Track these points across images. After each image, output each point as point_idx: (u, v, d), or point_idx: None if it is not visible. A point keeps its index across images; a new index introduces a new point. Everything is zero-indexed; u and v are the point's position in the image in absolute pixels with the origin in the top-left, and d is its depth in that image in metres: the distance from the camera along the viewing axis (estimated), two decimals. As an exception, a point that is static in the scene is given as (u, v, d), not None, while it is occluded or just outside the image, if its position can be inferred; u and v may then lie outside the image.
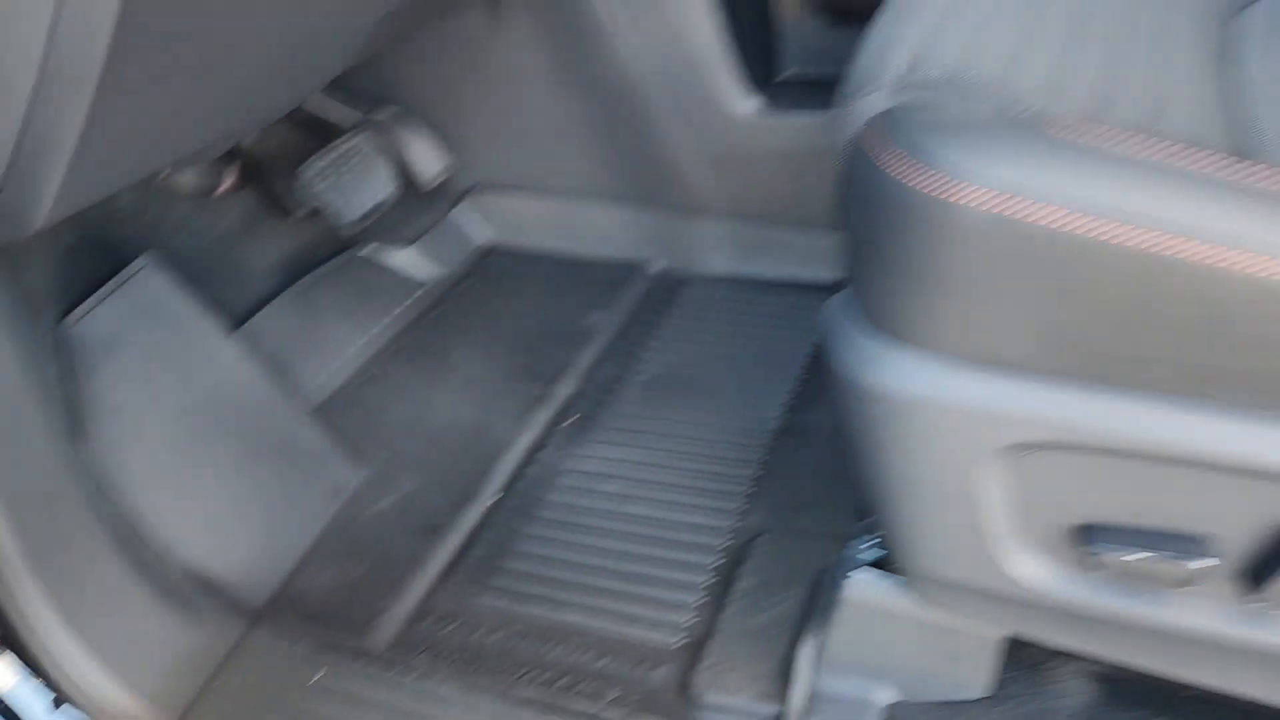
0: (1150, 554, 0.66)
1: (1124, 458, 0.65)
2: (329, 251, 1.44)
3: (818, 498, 1.08)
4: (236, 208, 1.39)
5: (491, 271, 1.53)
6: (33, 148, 0.65)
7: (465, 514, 1.13)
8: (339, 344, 1.35)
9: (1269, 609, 0.67)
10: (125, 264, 1.12)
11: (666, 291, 1.46)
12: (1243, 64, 0.74)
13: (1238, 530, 0.65)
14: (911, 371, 0.67)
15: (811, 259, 1.39)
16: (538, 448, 1.21)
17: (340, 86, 1.49)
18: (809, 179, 1.35)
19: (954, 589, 0.76)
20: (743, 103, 1.36)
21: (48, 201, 0.69)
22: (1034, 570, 0.71)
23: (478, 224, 1.57)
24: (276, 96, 0.93)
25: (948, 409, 0.67)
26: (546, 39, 1.37)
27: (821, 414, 1.19)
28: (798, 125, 1.36)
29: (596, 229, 1.52)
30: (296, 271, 1.40)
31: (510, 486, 1.16)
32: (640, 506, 1.11)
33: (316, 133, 1.44)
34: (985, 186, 0.60)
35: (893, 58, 0.74)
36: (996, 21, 0.76)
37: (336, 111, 1.49)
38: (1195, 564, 0.65)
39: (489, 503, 1.14)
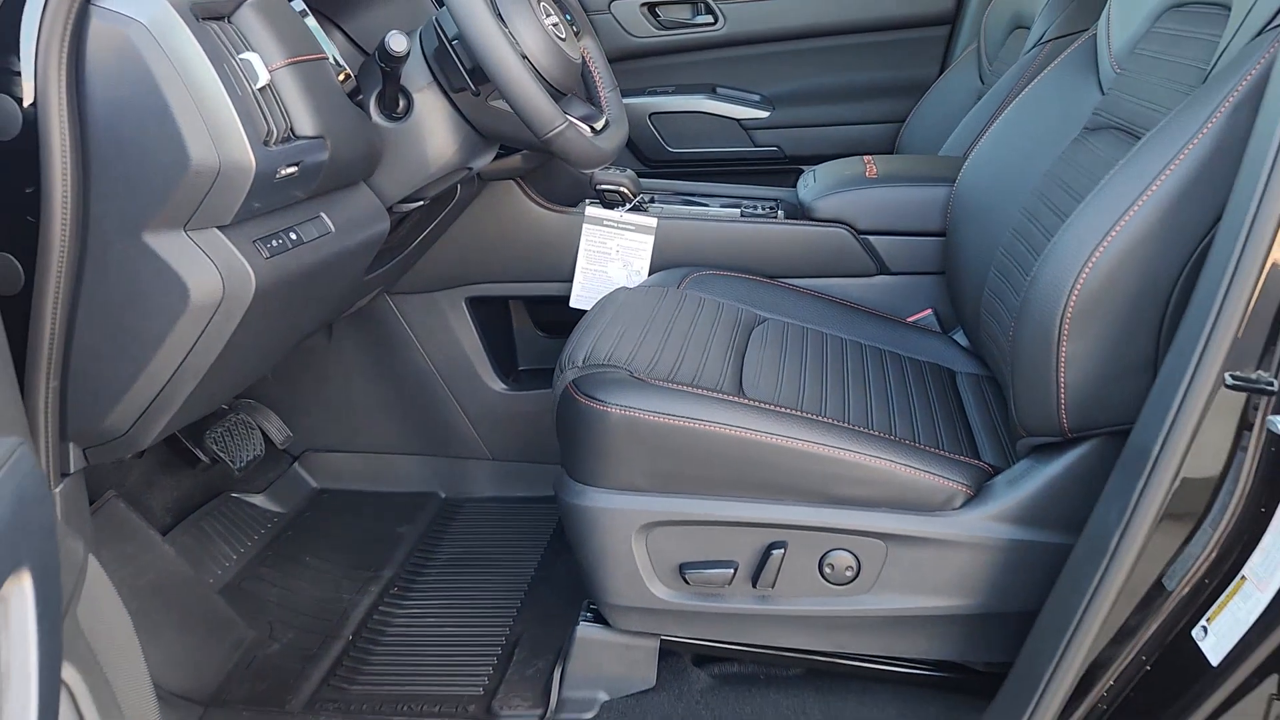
0: (710, 572, 1.42)
1: (694, 526, 1.42)
2: (207, 495, 2.04)
3: (561, 610, 1.77)
4: (141, 465, 1.98)
5: (325, 506, 2.16)
6: (154, 408, 1.30)
7: (333, 647, 1.72)
8: (224, 556, 1.93)
9: (766, 594, 1.44)
10: (94, 499, 1.70)
11: (451, 510, 2.15)
12: (745, 354, 1.60)
13: (747, 555, 1.43)
14: (592, 496, 1.42)
15: (543, 480, 2.14)
16: (376, 605, 1.83)
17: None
18: (538, 431, 2.13)
19: (629, 610, 1.48)
20: (496, 384, 2.15)
21: (153, 436, 1.32)
22: (663, 590, 1.45)
23: (312, 474, 2.22)
24: (262, 369, 1.63)
25: (611, 511, 1.42)
26: (368, 345, 2.12)
27: (558, 567, 1.91)
28: (531, 398, 2.16)
29: (399, 473, 2.21)
30: (187, 508, 1.98)
31: (361, 627, 1.77)
32: (449, 628, 1.76)
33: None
34: (620, 405, 1.39)
35: (578, 352, 1.53)
36: (626, 333, 1.57)
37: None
38: (729, 572, 1.42)
39: (348, 638, 1.74)
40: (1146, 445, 1.13)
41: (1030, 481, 1.36)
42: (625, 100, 3.05)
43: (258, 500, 2.10)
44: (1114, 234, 1.25)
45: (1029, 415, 1.34)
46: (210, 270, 1.21)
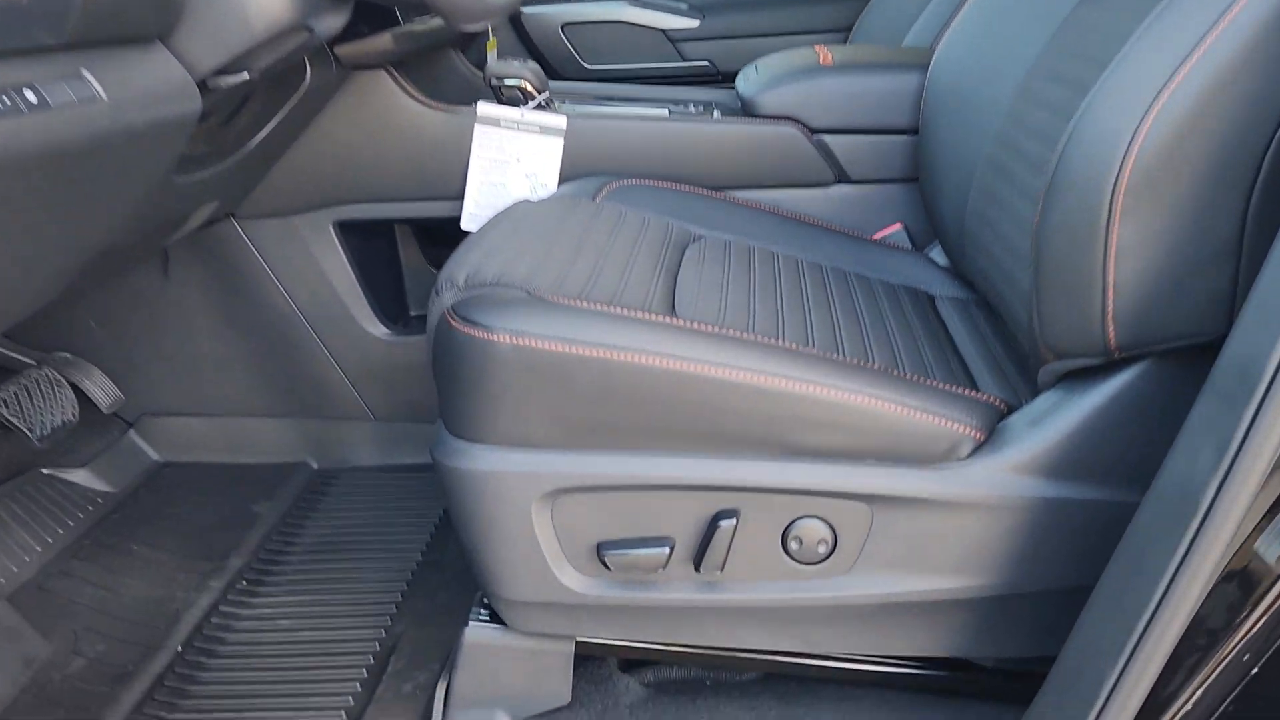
0: (638, 553, 1.07)
1: (614, 491, 1.06)
2: (10, 471, 1.63)
3: (451, 606, 1.40)
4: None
5: (165, 482, 1.76)
6: None
7: (154, 661, 1.33)
8: (24, 547, 1.52)
9: (713, 579, 1.09)
10: None
11: (324, 483, 1.76)
12: (679, 274, 1.24)
13: (686, 529, 1.07)
14: (477, 456, 1.05)
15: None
16: (216, 604, 1.44)
17: (12, 335, 1.72)
18: (431, 386, 1.75)
19: (532, 606, 1.12)
20: (377, 330, 1.76)
21: None
22: (577, 579, 1.09)
23: (152, 444, 1.81)
24: (36, 286, 1.18)
25: (504, 475, 1.05)
26: (214, 284, 1.71)
27: (450, 550, 1.54)
28: (421, 346, 1.77)
29: (259, 440, 1.82)
30: (-22, 489, 1.57)
31: (193, 635, 1.38)
32: (307, 631, 1.38)
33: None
34: (510, 333, 1.02)
35: (460, 271, 1.16)
36: (525, 250, 1.20)
37: (7, 359, 1.71)
38: (664, 552, 1.06)
39: (176, 649, 1.35)
40: (1248, 364, 0.79)
41: (1060, 420, 1.02)
42: (533, 10, 2.67)
43: (78, 477, 1.69)
44: (1174, 84, 0.91)
45: (1060, 331, 1.00)
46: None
